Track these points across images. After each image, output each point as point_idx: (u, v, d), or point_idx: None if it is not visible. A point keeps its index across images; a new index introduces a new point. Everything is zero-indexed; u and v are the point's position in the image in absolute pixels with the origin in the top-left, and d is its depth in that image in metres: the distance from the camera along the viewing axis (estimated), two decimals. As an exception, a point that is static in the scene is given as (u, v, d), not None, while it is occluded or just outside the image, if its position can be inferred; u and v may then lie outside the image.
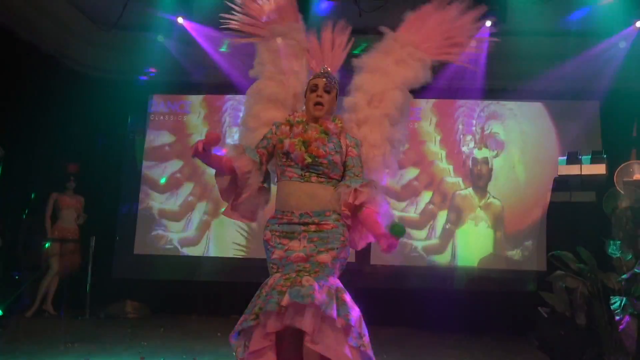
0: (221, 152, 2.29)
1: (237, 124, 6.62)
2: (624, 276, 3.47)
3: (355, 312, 2.08)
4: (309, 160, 2.18)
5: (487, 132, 6.43)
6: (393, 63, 2.44)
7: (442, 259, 6.25)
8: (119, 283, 6.00)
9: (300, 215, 2.17)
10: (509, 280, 5.92)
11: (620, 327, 3.27)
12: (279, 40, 2.50)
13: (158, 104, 6.81)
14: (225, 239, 6.43)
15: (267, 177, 2.33)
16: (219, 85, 6.41)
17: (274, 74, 2.46)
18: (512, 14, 5.28)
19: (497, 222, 6.24)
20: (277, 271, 2.15)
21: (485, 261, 6.19)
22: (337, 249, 2.15)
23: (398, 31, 2.50)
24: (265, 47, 2.54)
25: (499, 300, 5.77)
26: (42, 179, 5.86)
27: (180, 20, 5.66)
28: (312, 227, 2.16)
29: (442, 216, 6.32)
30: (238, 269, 6.24)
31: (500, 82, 6.35)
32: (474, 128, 6.48)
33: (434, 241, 6.29)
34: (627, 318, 3.24)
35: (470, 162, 6.40)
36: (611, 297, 3.46)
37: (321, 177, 2.21)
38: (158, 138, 6.72)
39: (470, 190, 6.34)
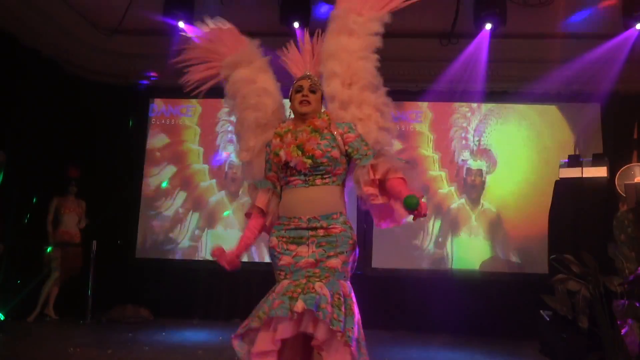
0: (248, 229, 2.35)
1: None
2: (626, 279, 3.46)
3: (358, 323, 2.07)
4: (309, 162, 2.17)
5: (484, 142, 6.42)
6: (346, 37, 2.40)
7: (443, 263, 6.24)
8: (121, 287, 5.99)
9: (309, 220, 2.16)
10: (510, 283, 5.91)
11: (623, 330, 3.27)
12: (242, 68, 2.49)
13: (159, 107, 6.82)
14: (226, 242, 6.41)
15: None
16: (220, 88, 6.41)
17: (246, 100, 2.45)
18: (511, 17, 5.30)
19: (494, 229, 6.23)
20: (285, 278, 2.14)
21: (486, 265, 6.18)
22: (346, 252, 2.15)
23: (336, 3, 2.47)
24: (228, 82, 2.53)
25: (500, 304, 5.76)
26: (44, 183, 5.87)
27: (181, 24, 5.67)
28: (321, 232, 2.15)
29: (436, 224, 6.32)
30: (239, 273, 6.22)
31: (501, 84, 6.36)
32: (470, 135, 6.48)
33: (431, 247, 6.28)
34: (629, 321, 3.24)
35: (464, 172, 6.40)
36: (614, 300, 3.46)
37: (325, 178, 2.20)
38: (159, 142, 6.73)
39: (463, 201, 6.34)
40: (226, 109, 2.73)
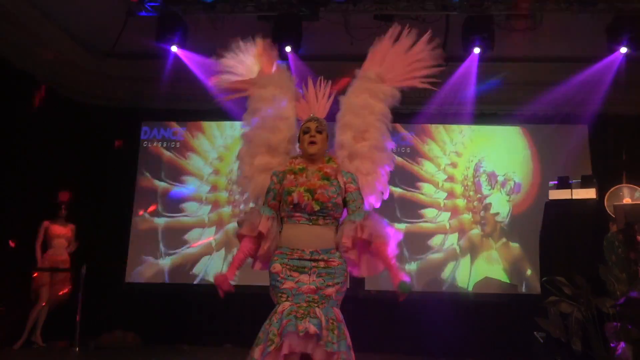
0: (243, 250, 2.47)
1: (231, 150, 6.65)
2: (617, 301, 3.47)
3: (349, 346, 2.25)
4: (317, 207, 2.37)
5: (473, 162, 6.48)
6: (369, 98, 2.68)
7: (436, 285, 6.22)
8: (110, 312, 5.90)
9: (311, 253, 2.36)
10: (504, 304, 5.89)
11: (617, 353, 3.26)
12: (270, 89, 2.69)
13: (151, 130, 6.82)
14: (216, 267, 6.37)
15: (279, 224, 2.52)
16: (212, 112, 6.45)
17: (263, 120, 2.64)
18: (500, 41, 5.40)
19: (488, 251, 6.26)
20: (286, 300, 2.30)
21: (479, 286, 6.17)
22: (341, 283, 2.37)
23: (364, 66, 2.77)
24: (254, 98, 2.73)
25: (494, 325, 5.73)
26: (33, 207, 5.81)
27: (174, 48, 5.73)
28: (322, 264, 2.35)
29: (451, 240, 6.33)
30: (231, 297, 6.15)
31: (490, 107, 6.45)
32: (460, 156, 6.54)
33: (424, 269, 6.27)
34: (622, 344, 3.23)
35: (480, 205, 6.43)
36: (606, 322, 3.45)
37: (327, 219, 2.41)
38: (150, 166, 6.71)
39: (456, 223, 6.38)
40: (243, 123, 2.77)
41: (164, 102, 6.63)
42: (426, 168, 6.52)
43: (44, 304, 5.50)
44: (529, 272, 6.10)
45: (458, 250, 6.30)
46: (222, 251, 6.44)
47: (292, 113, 2.68)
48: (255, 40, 2.85)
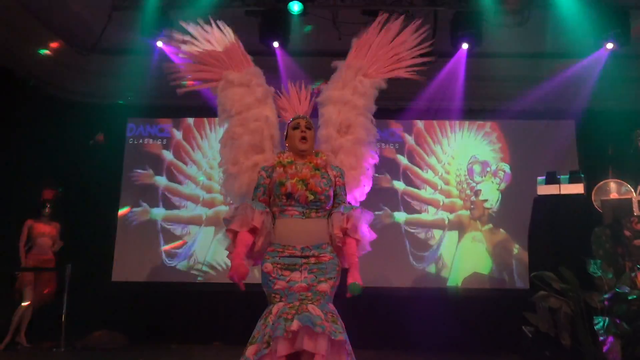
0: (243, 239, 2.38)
1: (217, 147, 6.58)
2: (605, 295, 3.49)
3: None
4: (311, 197, 2.36)
5: (462, 159, 6.52)
6: (350, 93, 2.68)
7: (426, 280, 6.23)
8: (96, 312, 5.81)
9: (302, 249, 2.35)
10: (493, 299, 5.92)
11: (605, 347, 3.28)
12: (244, 88, 2.67)
13: (137, 127, 6.73)
14: (204, 265, 6.32)
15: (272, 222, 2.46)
16: (199, 108, 6.38)
17: (244, 121, 2.62)
18: (488, 37, 5.41)
19: (477, 246, 6.30)
20: (280, 300, 2.30)
21: (468, 281, 6.19)
22: (334, 278, 2.36)
23: (348, 58, 2.76)
24: (225, 94, 2.69)
25: (484, 320, 5.75)
26: (17, 205, 5.71)
27: (159, 44, 5.64)
28: (312, 260, 2.34)
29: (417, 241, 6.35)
30: (218, 295, 6.11)
31: (478, 102, 6.46)
32: (448, 152, 6.56)
33: (413, 265, 6.28)
34: (610, 338, 3.25)
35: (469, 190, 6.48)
36: (594, 317, 3.47)
37: (319, 212, 2.41)
38: (136, 162, 6.62)
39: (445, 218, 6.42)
40: (220, 121, 2.76)
41: (150, 99, 6.53)
42: (419, 162, 6.52)
43: (28, 303, 5.40)
44: (517, 267, 6.13)
45: (446, 230, 6.35)
46: (212, 250, 6.38)
47: (271, 112, 2.67)
48: (232, 35, 2.79)
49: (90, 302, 5.77)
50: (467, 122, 6.59)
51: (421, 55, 2.78)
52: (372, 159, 2.67)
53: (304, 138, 2.48)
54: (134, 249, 6.38)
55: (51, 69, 6.21)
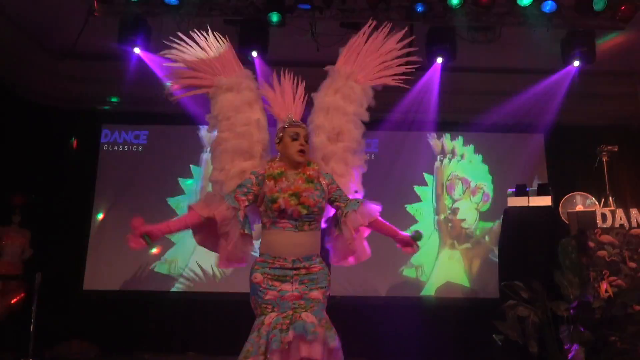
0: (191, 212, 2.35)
1: (193, 155, 6.55)
2: (571, 305, 3.61)
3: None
4: (305, 212, 2.35)
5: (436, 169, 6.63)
6: (341, 99, 2.67)
7: (402, 289, 6.31)
8: (67, 322, 5.68)
9: (293, 261, 2.34)
10: (464, 308, 6.03)
11: (570, 354, 3.39)
12: (235, 92, 2.62)
13: (112, 133, 6.64)
14: (176, 273, 6.26)
15: (246, 224, 2.39)
16: (175, 116, 6.35)
17: (232, 126, 2.56)
18: (461, 52, 5.56)
19: (450, 256, 6.40)
20: (272, 310, 2.26)
21: (441, 290, 6.29)
22: (326, 287, 2.38)
23: (337, 63, 2.74)
24: (215, 101, 2.65)
25: (454, 329, 5.85)
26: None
27: (136, 50, 5.60)
28: (303, 271, 2.34)
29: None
30: (194, 303, 6.06)
31: (451, 115, 6.61)
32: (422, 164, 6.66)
33: (388, 274, 6.35)
34: (575, 346, 3.37)
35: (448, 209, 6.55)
36: (560, 325, 3.59)
37: (312, 224, 2.40)
38: (110, 169, 6.53)
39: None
40: (209, 128, 2.72)
41: (126, 105, 6.47)
42: (396, 173, 6.58)
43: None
44: (488, 276, 6.26)
45: (422, 249, 6.40)
46: (186, 257, 6.32)
47: (262, 115, 2.63)
48: (222, 39, 2.78)
49: (60, 312, 5.65)
50: (442, 134, 6.72)
51: (407, 63, 2.81)
52: (361, 167, 2.67)
53: (302, 151, 2.43)
54: (106, 257, 6.27)
55: (24, 72, 6.10)
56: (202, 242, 2.45)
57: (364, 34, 2.76)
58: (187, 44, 2.78)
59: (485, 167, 6.63)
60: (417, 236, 2.47)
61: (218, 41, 2.77)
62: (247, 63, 5.55)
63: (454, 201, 6.53)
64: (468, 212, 6.49)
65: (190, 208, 2.36)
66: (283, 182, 2.37)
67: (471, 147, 6.71)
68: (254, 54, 5.52)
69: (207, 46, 2.75)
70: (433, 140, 6.73)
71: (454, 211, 6.51)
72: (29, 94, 6.28)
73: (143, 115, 6.61)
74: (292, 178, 2.39)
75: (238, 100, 2.61)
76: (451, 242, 6.43)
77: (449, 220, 6.49)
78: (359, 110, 2.71)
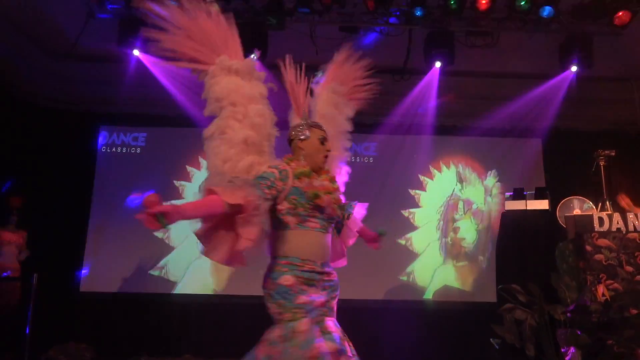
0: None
1: (192, 158, 6.55)
2: (568, 308, 3.61)
3: None
4: (339, 212, 2.36)
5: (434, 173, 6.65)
6: (334, 109, 2.73)
7: (400, 293, 6.31)
8: (63, 323, 5.66)
9: (322, 265, 2.26)
10: (461, 312, 6.03)
11: (567, 357, 3.39)
12: (243, 79, 2.39)
13: (110, 135, 6.64)
14: (174, 276, 6.25)
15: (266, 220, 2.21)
16: (174, 118, 6.36)
17: (240, 114, 2.31)
18: (459, 56, 5.59)
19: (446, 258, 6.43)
20: (304, 316, 2.12)
21: (438, 294, 6.30)
22: (338, 296, 2.36)
23: (328, 78, 2.77)
24: (217, 81, 2.36)
25: (452, 332, 5.85)
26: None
27: (136, 52, 5.62)
28: (326, 277, 2.27)
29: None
30: (189, 308, 6.05)
31: (450, 119, 6.63)
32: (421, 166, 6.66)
33: (385, 277, 6.35)
34: (572, 349, 3.37)
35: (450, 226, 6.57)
36: (557, 328, 3.59)
37: (332, 227, 2.38)
38: (108, 171, 6.52)
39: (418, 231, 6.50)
40: (207, 111, 2.41)
41: (124, 107, 6.48)
42: (393, 182, 6.59)
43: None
44: (486, 280, 6.27)
45: (421, 261, 6.41)
46: (183, 259, 6.31)
47: (268, 108, 2.43)
48: (233, 23, 2.46)
49: (56, 313, 5.63)
50: (439, 137, 6.73)
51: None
52: (345, 177, 2.70)
53: (327, 157, 2.39)
54: (104, 259, 6.25)
55: (23, 73, 6.10)
56: (203, 233, 2.14)
57: (342, 56, 2.79)
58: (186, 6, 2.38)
59: (483, 171, 6.65)
60: (383, 232, 2.57)
61: (226, 17, 2.45)
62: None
63: (456, 220, 6.54)
64: (467, 231, 6.51)
65: (210, 191, 2.06)
66: (316, 180, 2.25)
67: (466, 151, 6.71)
68: (253, 57, 5.52)
69: (212, 16, 2.40)
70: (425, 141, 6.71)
71: (455, 230, 6.52)
72: (28, 95, 6.28)
73: (141, 117, 6.61)
74: (321, 179, 2.31)
75: (249, 88, 2.37)
76: (449, 259, 6.44)
77: (450, 238, 6.50)
78: (345, 121, 2.78)
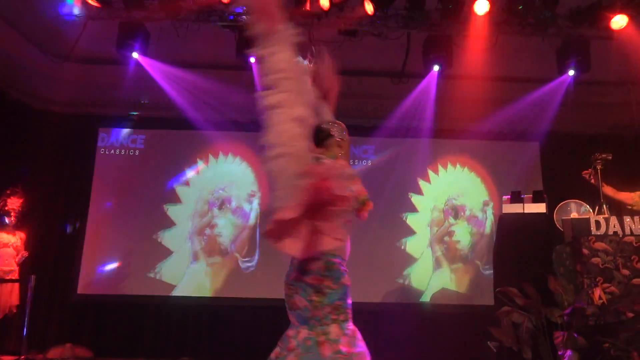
0: None
1: (192, 159, 6.56)
2: (565, 311, 3.63)
3: None
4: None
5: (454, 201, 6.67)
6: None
7: (397, 296, 6.32)
8: (60, 325, 5.66)
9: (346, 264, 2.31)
10: (459, 315, 6.04)
11: (564, 360, 3.40)
12: (291, 55, 2.26)
13: (108, 137, 6.64)
14: (171, 277, 6.24)
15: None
16: (173, 120, 6.37)
17: (296, 92, 2.19)
18: (458, 60, 5.61)
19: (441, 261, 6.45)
20: (351, 317, 2.25)
21: (437, 297, 6.31)
22: None
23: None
24: (276, 52, 2.22)
25: (450, 335, 5.86)
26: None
27: (135, 55, 5.63)
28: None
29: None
30: (186, 310, 6.05)
31: (448, 122, 6.65)
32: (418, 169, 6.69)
33: (382, 279, 6.36)
34: (569, 352, 3.38)
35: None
36: (554, 331, 3.60)
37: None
38: (106, 173, 6.52)
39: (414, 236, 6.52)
40: (267, 80, 2.23)
41: (123, 109, 6.49)
42: (391, 185, 6.60)
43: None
44: (483, 283, 6.28)
45: (418, 264, 6.42)
46: (181, 262, 6.31)
47: (312, 89, 2.41)
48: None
49: (54, 315, 5.63)
50: (437, 141, 6.75)
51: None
52: None
53: None
54: (102, 262, 6.25)
55: (22, 75, 6.10)
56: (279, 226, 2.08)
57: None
58: None
59: (480, 174, 6.67)
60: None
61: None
62: (246, 68, 5.59)
63: (450, 225, 6.56)
64: (462, 235, 6.53)
65: (321, 177, 2.04)
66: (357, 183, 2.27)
67: (466, 155, 6.73)
68: (252, 59, 5.55)
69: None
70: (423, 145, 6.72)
71: (450, 234, 6.54)
72: (26, 97, 6.28)
73: (140, 120, 6.62)
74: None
75: (302, 68, 2.31)
76: (444, 262, 6.46)
77: (444, 242, 6.52)
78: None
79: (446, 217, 6.60)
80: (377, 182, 6.49)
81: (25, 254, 5.60)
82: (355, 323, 2.28)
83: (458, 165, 6.74)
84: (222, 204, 6.45)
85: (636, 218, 3.90)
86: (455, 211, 6.60)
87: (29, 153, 6.11)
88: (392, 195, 6.51)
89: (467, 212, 6.60)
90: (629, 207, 4.66)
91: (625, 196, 4.68)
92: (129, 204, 6.42)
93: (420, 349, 5.65)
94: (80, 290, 6.14)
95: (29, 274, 5.39)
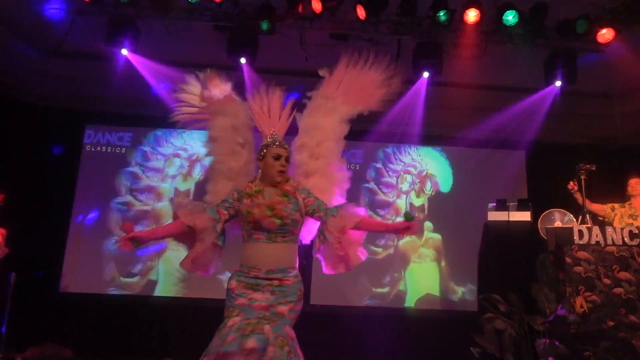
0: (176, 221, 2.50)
1: (175, 160, 6.51)
2: (547, 319, 3.67)
3: None
4: (278, 222, 2.45)
5: (423, 173, 6.74)
6: (322, 116, 2.77)
7: (382, 300, 6.33)
8: (41, 324, 5.56)
9: (267, 272, 2.43)
10: (442, 320, 6.07)
11: (545, 368, 3.44)
12: (227, 117, 2.75)
13: (95, 134, 6.57)
14: (155, 278, 6.18)
15: (222, 236, 2.53)
16: (160, 118, 6.31)
17: (226, 149, 2.71)
18: (447, 68, 5.66)
19: (440, 254, 6.49)
20: (237, 315, 2.34)
21: (421, 302, 6.34)
22: (294, 301, 2.44)
23: (322, 88, 2.83)
24: (213, 126, 2.78)
25: (433, 341, 5.89)
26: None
27: (124, 51, 5.58)
28: (276, 282, 2.42)
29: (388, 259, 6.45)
30: (169, 311, 5.99)
31: (436, 129, 6.70)
32: (410, 176, 6.75)
33: (370, 284, 6.37)
34: (550, 359, 3.42)
35: (408, 207, 6.64)
36: (536, 339, 3.64)
37: (285, 236, 2.49)
38: (92, 170, 6.45)
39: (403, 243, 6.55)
40: (207, 153, 2.84)
41: (110, 106, 6.42)
42: (377, 190, 6.64)
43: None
44: (467, 289, 6.33)
45: (411, 266, 6.46)
46: (165, 259, 6.26)
47: (250, 137, 2.75)
48: (208, 73, 2.85)
49: (35, 313, 5.53)
50: (424, 148, 6.81)
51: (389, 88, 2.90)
52: (344, 183, 2.74)
53: (282, 172, 2.55)
54: (84, 260, 6.17)
55: (8, 69, 6.01)
56: (180, 240, 2.64)
57: (343, 64, 2.85)
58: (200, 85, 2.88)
59: (465, 182, 6.73)
60: (409, 216, 2.45)
61: (224, 86, 2.86)
62: (235, 69, 5.57)
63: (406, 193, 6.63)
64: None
65: (175, 216, 2.52)
66: (259, 198, 2.50)
67: (451, 161, 6.79)
68: (243, 60, 5.54)
69: (214, 88, 2.82)
70: (412, 152, 6.78)
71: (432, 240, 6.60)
72: (12, 91, 6.20)
73: (127, 117, 6.56)
74: (269, 194, 2.52)
75: (231, 123, 2.74)
76: (430, 268, 6.50)
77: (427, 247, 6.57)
78: (338, 127, 2.79)
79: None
80: (364, 186, 6.53)
81: (6, 250, 5.50)
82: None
83: (441, 175, 6.79)
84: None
85: (618, 228, 3.96)
86: (409, 179, 6.70)
87: (13, 147, 6.01)
88: (378, 200, 6.55)
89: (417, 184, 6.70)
90: (600, 219, 4.76)
91: (597, 208, 4.79)
92: (113, 201, 6.35)
93: (403, 354, 5.67)
94: (61, 289, 6.05)
95: (9, 271, 5.29)
